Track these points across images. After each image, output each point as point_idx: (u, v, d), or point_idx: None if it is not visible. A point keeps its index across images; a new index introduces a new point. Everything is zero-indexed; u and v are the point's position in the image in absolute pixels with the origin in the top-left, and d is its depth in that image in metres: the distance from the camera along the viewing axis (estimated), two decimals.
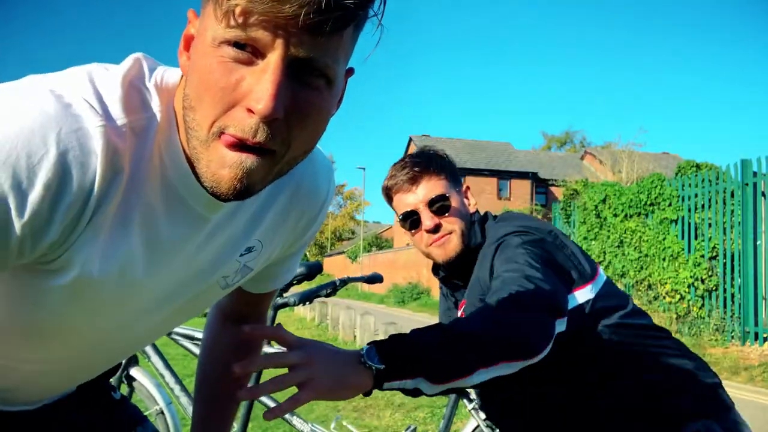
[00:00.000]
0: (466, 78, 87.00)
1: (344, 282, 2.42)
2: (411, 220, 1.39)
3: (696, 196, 8.89)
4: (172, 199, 0.66)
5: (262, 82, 0.55)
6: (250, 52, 0.56)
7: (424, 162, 1.40)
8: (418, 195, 1.38)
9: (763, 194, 7.91)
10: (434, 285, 20.49)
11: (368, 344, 0.89)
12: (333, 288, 2.38)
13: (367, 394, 0.87)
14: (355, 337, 8.52)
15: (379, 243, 36.35)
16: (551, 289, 1.12)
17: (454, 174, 1.44)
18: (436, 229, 1.37)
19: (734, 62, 76.87)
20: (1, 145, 0.52)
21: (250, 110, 0.56)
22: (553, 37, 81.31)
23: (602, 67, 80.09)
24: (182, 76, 0.64)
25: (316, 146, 0.70)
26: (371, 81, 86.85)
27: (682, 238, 9.03)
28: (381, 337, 6.63)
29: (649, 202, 9.60)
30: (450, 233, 1.37)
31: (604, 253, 10.20)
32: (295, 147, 0.61)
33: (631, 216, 9.91)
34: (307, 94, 0.58)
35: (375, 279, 2.55)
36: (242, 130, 0.57)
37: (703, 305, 8.58)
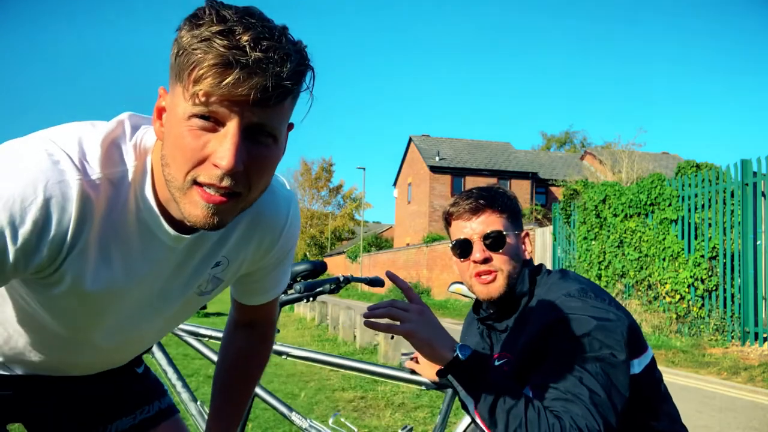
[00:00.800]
0: (466, 78, 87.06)
1: (347, 280, 2.44)
2: (462, 249, 1.41)
3: (696, 196, 8.89)
4: (145, 234, 0.84)
5: (224, 144, 0.72)
6: (213, 121, 0.73)
7: (490, 197, 1.43)
8: (475, 226, 1.41)
9: (763, 194, 7.91)
10: (434, 285, 20.49)
11: (466, 347, 1.17)
12: (337, 284, 2.39)
13: (440, 372, 1.17)
14: (355, 337, 8.51)
15: (379, 243, 36.36)
16: (606, 416, 1.16)
17: (516, 217, 1.45)
18: (484, 261, 1.39)
19: (734, 62, 76.91)
20: (3, 192, 0.71)
21: (215, 165, 0.73)
22: (553, 37, 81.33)
23: (602, 67, 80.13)
24: (157, 140, 0.81)
25: (280, 180, 0.99)
26: (371, 81, 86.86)
27: (682, 238, 9.03)
28: (381, 336, 6.64)
29: (649, 202, 9.60)
30: (497, 272, 1.39)
31: (604, 253, 10.20)
32: (254, 189, 0.79)
33: (631, 216, 9.91)
34: (260, 150, 0.76)
35: (376, 282, 2.57)
36: (211, 178, 0.74)
37: (703, 305, 8.58)
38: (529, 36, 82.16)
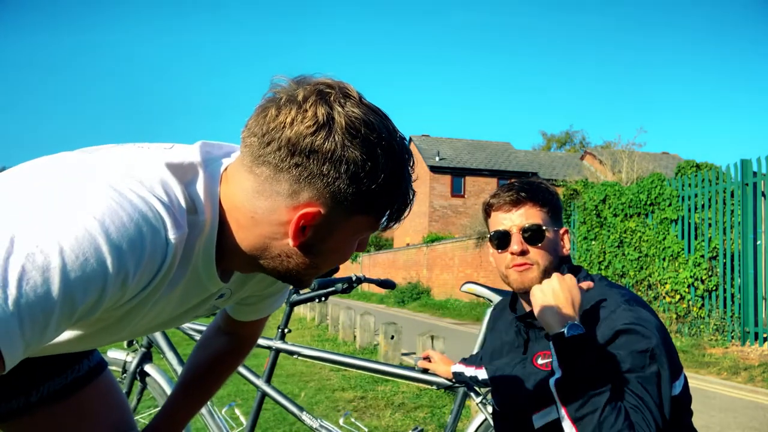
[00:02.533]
0: (466, 78, 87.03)
1: (360, 280, 2.45)
2: (501, 240, 1.41)
3: (696, 196, 8.89)
4: (193, 280, 0.85)
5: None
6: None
7: (531, 190, 1.42)
8: (515, 218, 1.41)
9: (763, 194, 7.91)
10: (434, 285, 20.48)
11: (577, 326, 1.21)
12: (349, 284, 2.41)
13: (548, 336, 1.24)
14: (355, 337, 8.51)
15: (378, 243, 36.36)
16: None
17: (556, 212, 1.45)
18: (522, 253, 1.39)
19: (734, 62, 76.88)
20: (105, 238, 0.65)
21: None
22: (554, 37, 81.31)
23: (602, 67, 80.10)
24: (296, 235, 0.80)
25: None
26: (371, 81, 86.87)
27: (682, 238, 9.02)
28: (381, 336, 6.63)
29: (649, 202, 9.60)
30: (533, 264, 1.39)
31: (604, 253, 10.20)
32: None
33: (631, 216, 9.91)
34: None
35: (388, 285, 2.60)
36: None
37: (703, 305, 8.58)
38: (529, 36, 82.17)
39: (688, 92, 79.68)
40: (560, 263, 1.44)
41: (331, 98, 0.75)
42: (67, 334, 0.89)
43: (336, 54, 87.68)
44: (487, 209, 1.48)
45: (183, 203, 0.77)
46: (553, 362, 1.22)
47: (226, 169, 0.84)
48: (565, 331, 1.19)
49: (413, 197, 0.83)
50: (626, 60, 78.42)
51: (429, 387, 2.32)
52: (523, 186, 1.43)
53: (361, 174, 0.74)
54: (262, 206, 0.78)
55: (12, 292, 0.58)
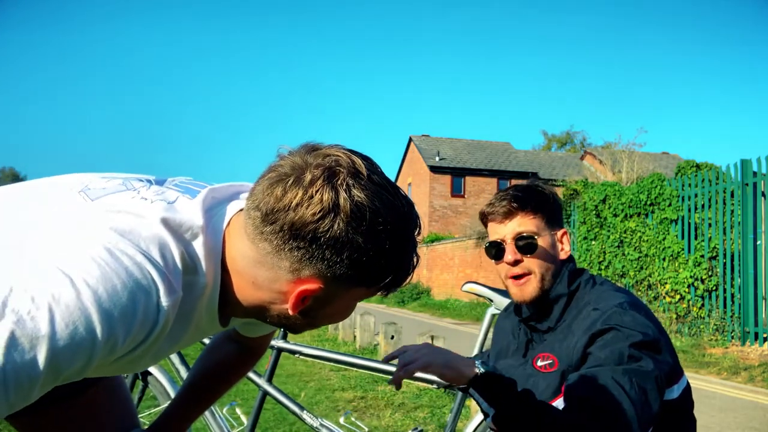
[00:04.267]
0: (466, 78, 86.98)
1: None
2: (496, 251, 1.44)
3: (696, 196, 8.89)
4: (195, 330, 0.87)
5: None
6: None
7: (524, 198, 1.43)
8: (508, 229, 1.43)
9: (763, 194, 7.91)
10: (434, 285, 20.49)
11: (485, 364, 1.27)
12: None
13: (463, 389, 1.23)
14: (354, 337, 8.51)
15: None
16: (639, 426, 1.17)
17: (553, 215, 1.45)
18: (515, 263, 1.41)
19: (734, 62, 76.85)
20: (97, 303, 0.66)
21: None
22: (554, 37, 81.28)
23: (602, 67, 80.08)
24: (296, 304, 0.81)
25: None
26: (371, 81, 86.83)
27: (682, 238, 9.03)
28: (381, 336, 6.64)
29: (649, 202, 9.60)
30: (529, 274, 1.40)
31: (604, 253, 10.20)
32: None
33: (631, 216, 9.91)
34: None
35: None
36: None
37: (703, 305, 8.58)
38: (529, 36, 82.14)
39: (688, 92, 79.66)
40: (561, 266, 1.43)
41: (338, 181, 0.73)
42: None
43: (336, 54, 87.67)
44: (483, 219, 1.50)
45: (180, 265, 0.77)
46: (482, 406, 1.30)
47: (229, 223, 0.84)
48: (480, 369, 1.26)
49: (417, 263, 0.86)
50: (626, 60, 78.42)
51: (429, 386, 2.32)
52: (516, 195, 1.43)
53: (363, 259, 0.76)
54: (262, 275, 0.79)
55: None
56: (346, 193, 0.73)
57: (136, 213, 0.78)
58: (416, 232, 0.84)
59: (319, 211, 0.72)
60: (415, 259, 0.85)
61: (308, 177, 0.73)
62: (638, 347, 1.23)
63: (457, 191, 27.85)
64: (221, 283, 0.83)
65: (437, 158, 27.86)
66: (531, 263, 1.40)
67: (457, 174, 27.88)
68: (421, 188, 28.65)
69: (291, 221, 0.73)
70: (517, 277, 1.42)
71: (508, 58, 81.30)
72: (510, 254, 1.41)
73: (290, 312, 0.81)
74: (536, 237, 1.40)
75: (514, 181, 28.35)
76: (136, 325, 0.70)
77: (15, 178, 57.50)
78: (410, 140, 30.57)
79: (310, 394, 4.97)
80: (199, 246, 0.80)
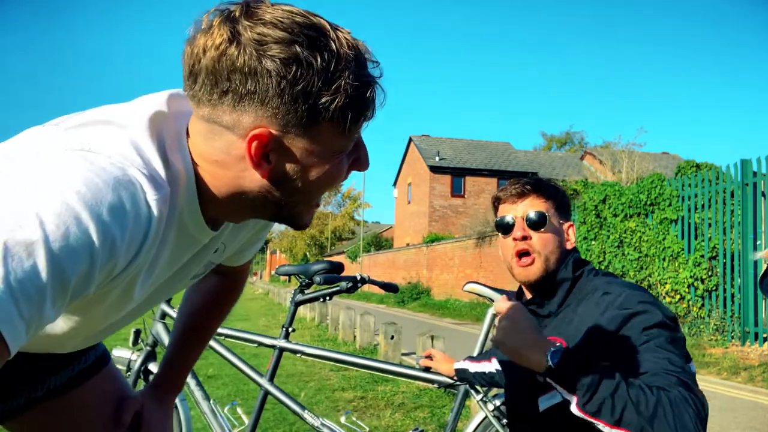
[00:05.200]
0: (466, 78, 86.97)
1: (364, 280, 2.47)
2: (505, 226, 1.48)
3: (696, 196, 8.89)
4: (182, 234, 0.83)
5: (364, 161, 0.84)
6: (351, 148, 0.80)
7: (536, 184, 1.49)
8: (519, 208, 1.47)
9: (763, 194, 7.91)
10: (434, 285, 20.48)
11: (559, 347, 1.16)
12: (353, 282, 2.42)
13: (541, 375, 1.16)
14: (355, 337, 8.51)
15: (378, 243, 36.35)
16: (702, 404, 1.16)
17: (561, 206, 1.50)
18: (523, 239, 1.43)
19: (734, 62, 76.88)
20: (95, 205, 0.65)
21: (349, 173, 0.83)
22: (554, 38, 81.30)
23: (602, 67, 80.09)
24: (263, 170, 0.76)
25: None
26: None
27: (682, 238, 9.02)
28: (381, 336, 6.64)
29: (649, 202, 9.59)
30: (535, 254, 1.43)
31: (604, 253, 10.20)
32: None
33: (631, 216, 9.91)
34: None
35: (391, 288, 2.61)
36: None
37: (703, 305, 8.58)
38: (529, 36, 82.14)
39: (689, 92, 79.66)
40: (565, 256, 1.47)
41: (236, 14, 0.71)
42: (71, 320, 0.88)
43: None
44: (495, 203, 1.55)
45: (160, 161, 0.75)
46: (562, 394, 1.17)
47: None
48: (550, 362, 1.14)
49: (373, 84, 0.75)
50: (626, 60, 78.40)
51: (431, 386, 2.33)
52: (530, 180, 1.50)
53: (288, 80, 0.69)
54: (218, 147, 0.75)
55: None
56: (245, 20, 0.70)
57: (103, 120, 0.77)
58: (357, 52, 0.74)
59: (221, 43, 0.69)
60: (368, 79, 0.75)
61: (205, 21, 0.72)
62: (668, 324, 1.27)
63: (457, 191, 27.85)
64: (196, 177, 0.79)
65: (437, 158, 27.86)
66: (537, 243, 1.43)
67: (457, 174, 27.88)
68: (421, 188, 28.65)
69: (205, 67, 0.70)
70: (522, 255, 1.44)
71: (508, 58, 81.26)
72: (519, 230, 1.44)
73: (260, 177, 0.76)
74: (546, 215, 1.45)
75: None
76: (128, 221, 0.68)
77: None
78: (410, 140, 30.56)
79: (310, 394, 4.97)
80: (165, 137, 0.78)
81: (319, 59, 0.70)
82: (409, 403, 4.65)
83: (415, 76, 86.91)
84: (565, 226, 1.50)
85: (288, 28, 0.70)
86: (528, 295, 1.52)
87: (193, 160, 0.79)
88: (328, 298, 2.42)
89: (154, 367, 2.44)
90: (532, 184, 1.48)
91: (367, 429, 2.44)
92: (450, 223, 26.96)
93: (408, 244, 27.32)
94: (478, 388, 2.16)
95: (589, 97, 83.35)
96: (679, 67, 79.32)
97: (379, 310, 16.65)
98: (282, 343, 2.40)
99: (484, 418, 2.20)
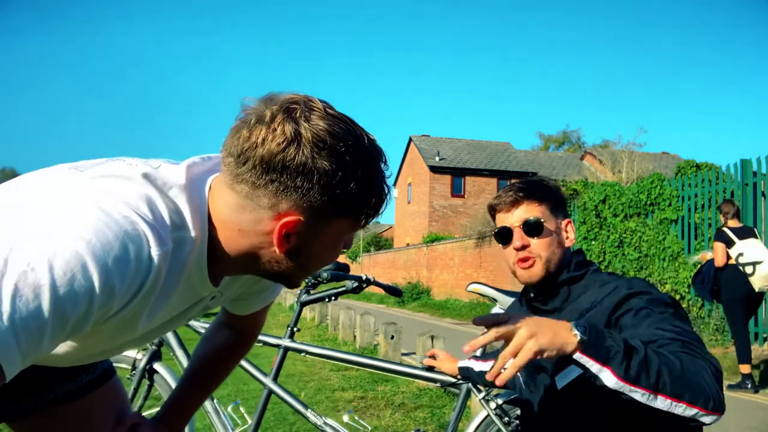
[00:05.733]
0: (466, 78, 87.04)
1: (369, 281, 2.48)
2: (504, 236, 1.50)
3: (696, 196, 8.89)
4: (186, 288, 0.90)
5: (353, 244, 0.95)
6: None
7: (529, 188, 1.51)
8: (515, 216, 1.49)
9: (763, 194, 7.90)
10: (434, 285, 20.48)
11: (580, 321, 1.11)
12: (359, 282, 2.44)
13: (567, 357, 1.08)
14: (355, 337, 8.50)
15: (378, 243, 36.35)
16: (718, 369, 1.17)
17: (557, 205, 1.53)
18: (523, 248, 1.46)
19: (734, 62, 76.92)
20: (91, 254, 0.70)
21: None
22: (554, 37, 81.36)
23: (602, 67, 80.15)
24: (284, 238, 0.86)
25: None
26: (371, 81, 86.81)
27: (682, 238, 9.02)
28: (381, 336, 6.63)
29: (649, 202, 9.59)
30: (536, 257, 1.46)
31: (604, 253, 10.20)
32: None
33: (631, 216, 9.91)
34: None
35: (395, 292, 2.62)
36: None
37: (703, 305, 8.58)
38: (529, 36, 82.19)
39: (688, 92, 79.70)
40: (566, 253, 1.50)
41: (297, 114, 0.80)
42: (69, 345, 0.93)
43: (336, 54, 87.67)
44: (492, 211, 1.57)
45: (168, 220, 0.82)
46: (593, 369, 1.09)
47: (211, 186, 0.89)
48: (579, 335, 1.08)
49: (389, 192, 0.89)
50: (626, 60, 78.46)
51: (434, 385, 2.35)
52: (522, 186, 1.52)
53: (333, 182, 0.80)
54: (246, 219, 0.84)
55: (6, 308, 0.63)
56: (305, 122, 0.79)
57: (124, 175, 0.83)
58: (383, 163, 0.87)
59: (283, 141, 0.78)
60: (386, 188, 0.88)
61: (268, 114, 0.80)
62: (667, 300, 1.32)
63: (457, 191, 27.84)
64: (210, 238, 0.87)
65: (437, 158, 27.86)
66: (537, 247, 1.46)
67: (457, 174, 27.88)
68: (421, 188, 28.65)
69: (261, 156, 0.79)
70: (523, 260, 1.47)
71: (508, 58, 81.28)
72: (518, 239, 1.47)
73: (278, 252, 0.86)
74: (542, 221, 1.47)
75: (514, 181, 28.19)
76: (129, 272, 0.75)
77: (15, 178, 57.39)
78: (410, 140, 30.56)
79: (310, 393, 4.97)
80: (183, 202, 0.85)
81: (357, 167, 0.81)
82: (409, 403, 4.65)
83: (416, 76, 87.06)
84: (563, 223, 1.52)
85: (338, 135, 0.80)
86: (532, 294, 1.54)
87: (210, 221, 0.87)
88: (333, 298, 2.44)
89: (159, 367, 2.44)
90: (524, 189, 1.50)
91: (370, 428, 2.44)
92: (450, 223, 26.96)
93: (408, 244, 27.31)
94: (480, 387, 2.17)
95: (589, 97, 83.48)
96: (679, 67, 79.40)
97: (379, 310, 16.65)
98: (287, 342, 2.41)
99: (485, 417, 2.21)
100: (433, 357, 2.26)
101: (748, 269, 5.41)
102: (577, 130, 62.80)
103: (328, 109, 0.83)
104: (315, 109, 0.81)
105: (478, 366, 2.02)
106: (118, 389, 1.30)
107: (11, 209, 0.75)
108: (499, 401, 2.16)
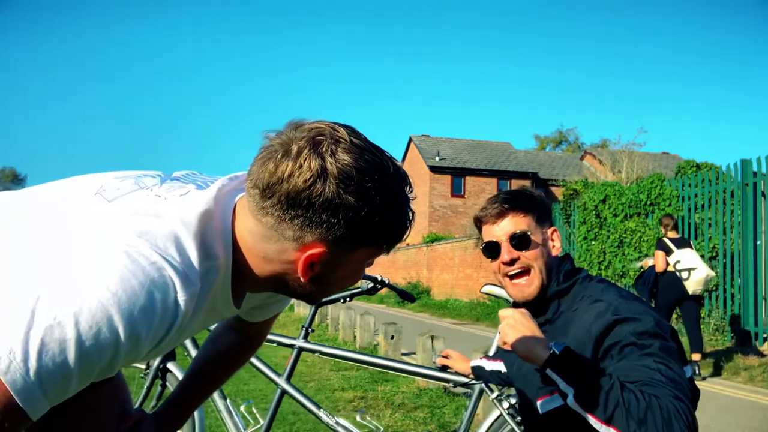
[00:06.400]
0: (466, 78, 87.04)
1: (384, 283, 2.48)
2: (491, 251, 1.50)
3: (696, 196, 8.89)
4: (211, 311, 0.92)
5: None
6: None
7: (514, 199, 1.50)
8: (501, 229, 1.48)
9: (763, 194, 7.91)
10: (434, 285, 20.48)
11: (562, 341, 1.26)
12: (374, 284, 2.43)
13: (540, 369, 1.25)
14: (355, 337, 8.51)
15: None
16: (687, 398, 1.19)
17: (542, 214, 1.52)
18: (511, 262, 1.46)
19: (734, 62, 76.89)
20: (116, 303, 0.71)
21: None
22: (554, 37, 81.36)
23: (603, 67, 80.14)
24: (308, 268, 0.87)
25: None
26: (371, 81, 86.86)
27: None
28: (381, 336, 6.63)
29: (649, 202, 9.59)
30: (529, 270, 1.46)
31: (604, 253, 10.19)
32: None
33: (631, 216, 9.91)
34: None
35: (408, 297, 2.62)
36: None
37: (703, 305, 8.57)
38: (529, 36, 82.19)
39: (689, 92, 79.71)
40: (554, 263, 1.49)
41: (323, 148, 0.79)
42: None
43: (336, 53, 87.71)
44: (477, 223, 1.56)
45: (197, 259, 0.82)
46: (560, 385, 1.24)
47: (235, 207, 0.90)
48: (555, 350, 1.23)
49: (413, 219, 0.89)
50: (626, 60, 78.49)
51: (448, 385, 2.36)
52: (506, 197, 1.51)
53: (358, 217, 0.81)
54: (271, 249, 0.85)
55: (33, 364, 0.66)
56: (331, 158, 0.79)
57: (153, 213, 0.83)
58: (407, 188, 0.88)
59: (310, 178, 0.78)
60: (410, 214, 0.88)
61: (295, 149, 0.79)
62: (653, 330, 1.30)
63: (457, 191, 27.84)
64: (234, 263, 0.88)
65: (437, 158, 27.85)
66: (528, 259, 1.46)
67: (457, 174, 27.88)
68: (421, 188, 28.65)
69: (286, 192, 0.79)
70: (515, 276, 1.47)
71: (508, 58, 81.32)
72: (506, 253, 1.46)
73: (302, 279, 0.87)
74: (529, 233, 1.46)
75: (514, 181, 28.37)
76: (155, 321, 0.76)
77: (15, 178, 57.40)
78: (410, 140, 30.56)
79: (310, 394, 4.97)
80: (210, 232, 0.85)
81: (383, 201, 0.82)
82: (409, 403, 4.65)
83: (416, 76, 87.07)
84: (549, 232, 1.52)
85: (364, 170, 0.80)
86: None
87: (236, 245, 0.88)
88: (348, 299, 2.45)
89: (172, 366, 2.45)
90: (509, 201, 1.49)
91: (381, 429, 2.46)
92: (450, 223, 26.96)
93: (408, 244, 27.28)
94: (493, 386, 2.19)
95: (590, 98, 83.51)
96: (679, 67, 79.40)
97: (379, 310, 16.64)
98: (301, 342, 2.42)
99: (498, 416, 2.22)
100: (446, 357, 2.27)
101: (684, 275, 6.23)
102: (574, 129, 62.78)
103: (353, 139, 0.82)
104: (341, 140, 0.81)
105: (490, 365, 2.03)
106: (123, 385, 1.30)
107: (37, 242, 0.77)
108: (512, 401, 2.17)
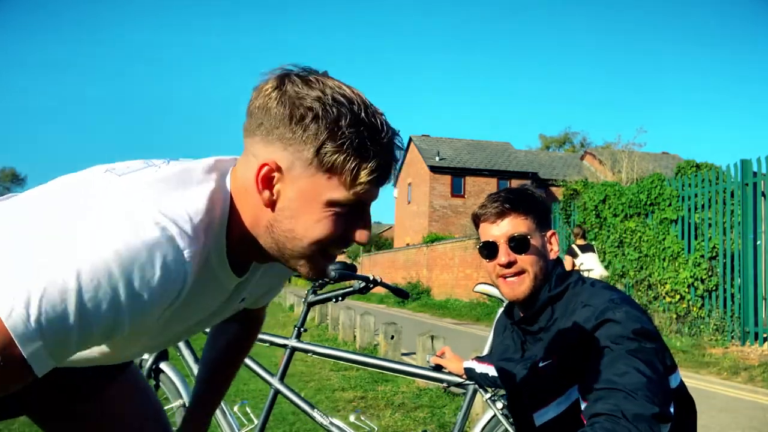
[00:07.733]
0: (467, 78, 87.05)
1: (376, 282, 2.48)
2: (489, 251, 1.47)
3: (696, 196, 8.89)
4: (209, 277, 0.91)
5: (364, 228, 0.88)
6: (355, 208, 0.86)
7: (515, 199, 1.47)
8: (500, 229, 1.45)
9: (763, 194, 7.91)
10: (434, 285, 20.49)
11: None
12: (366, 283, 2.43)
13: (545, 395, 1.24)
14: (354, 337, 8.50)
15: (378, 243, 36.35)
16: (663, 401, 1.18)
17: (542, 217, 1.49)
18: (509, 264, 1.43)
19: (734, 62, 76.91)
20: (122, 264, 0.73)
21: (357, 242, 0.89)
22: (554, 38, 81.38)
23: (603, 67, 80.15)
24: (268, 198, 0.86)
25: None
26: (371, 81, 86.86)
27: (682, 238, 9.02)
28: (381, 336, 6.63)
29: (649, 202, 9.59)
30: (523, 272, 1.43)
31: (604, 253, 10.19)
32: None
33: (631, 216, 9.91)
34: None
35: (402, 294, 2.63)
36: (339, 250, 0.90)
37: (703, 305, 8.58)
38: (529, 36, 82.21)
39: (688, 92, 79.72)
40: (551, 266, 1.48)
41: (293, 74, 0.84)
42: (100, 350, 0.98)
43: (336, 53, 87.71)
44: (476, 220, 1.52)
45: (201, 214, 0.83)
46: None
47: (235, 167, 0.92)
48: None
49: (380, 152, 0.83)
50: (626, 60, 78.49)
51: (442, 385, 2.37)
52: (508, 196, 1.47)
53: (315, 133, 0.80)
54: (247, 173, 0.86)
55: (33, 311, 0.68)
56: (298, 78, 0.83)
57: (158, 178, 0.85)
58: (384, 131, 0.83)
59: (268, 89, 0.83)
60: (386, 158, 0.84)
61: (270, 77, 0.85)
62: (636, 335, 1.27)
63: (457, 191, 27.83)
64: (230, 216, 0.89)
65: (437, 158, 27.85)
66: (524, 262, 1.43)
67: (457, 174, 27.87)
68: (421, 188, 28.64)
69: (255, 106, 0.84)
70: (507, 277, 1.45)
71: (508, 58, 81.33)
72: (504, 255, 1.44)
73: (264, 204, 0.85)
74: (528, 237, 1.44)
75: (514, 181, 28.33)
76: (159, 279, 0.76)
77: (15, 178, 57.43)
78: (410, 140, 30.54)
79: (310, 394, 4.97)
80: (213, 194, 0.87)
81: (337, 118, 0.80)
82: (409, 403, 4.65)
83: (416, 76, 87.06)
84: (548, 235, 1.49)
85: (322, 90, 0.81)
86: (520, 313, 1.52)
87: (232, 200, 0.89)
88: (340, 298, 2.44)
89: (165, 366, 2.45)
90: (510, 200, 1.46)
91: (376, 429, 2.46)
92: (450, 223, 26.95)
93: (408, 244, 27.31)
94: (487, 387, 2.19)
95: (590, 98, 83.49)
96: (679, 67, 79.41)
97: (379, 310, 16.64)
98: (294, 342, 2.42)
99: (492, 417, 2.22)
100: (441, 356, 2.27)
101: (585, 274, 6.97)
102: (581, 132, 62.77)
103: (329, 79, 0.84)
104: (311, 73, 0.84)
105: (480, 368, 2.02)
106: (137, 373, 1.37)
107: (44, 207, 0.80)
108: (506, 402, 2.17)
